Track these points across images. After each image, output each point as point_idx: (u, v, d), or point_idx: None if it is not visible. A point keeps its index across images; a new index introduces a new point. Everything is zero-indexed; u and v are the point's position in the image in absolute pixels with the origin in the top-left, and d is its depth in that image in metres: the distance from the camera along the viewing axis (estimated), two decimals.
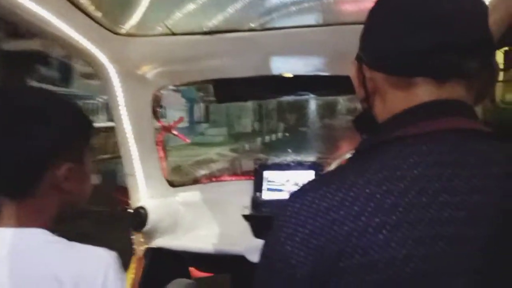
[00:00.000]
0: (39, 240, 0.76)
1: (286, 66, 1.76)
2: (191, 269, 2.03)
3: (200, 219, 2.01)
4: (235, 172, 2.27)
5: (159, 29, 1.44)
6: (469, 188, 0.49)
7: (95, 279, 0.74)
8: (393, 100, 0.58)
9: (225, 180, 2.21)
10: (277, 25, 1.49)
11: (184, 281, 1.74)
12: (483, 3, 0.56)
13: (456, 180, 0.49)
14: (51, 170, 0.78)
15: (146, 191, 1.83)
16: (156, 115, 1.81)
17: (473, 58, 0.53)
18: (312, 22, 1.52)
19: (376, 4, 0.61)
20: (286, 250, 0.51)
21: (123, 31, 1.44)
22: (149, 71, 1.65)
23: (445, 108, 0.55)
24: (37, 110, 0.77)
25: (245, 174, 2.30)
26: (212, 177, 2.20)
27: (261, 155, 2.08)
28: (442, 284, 0.46)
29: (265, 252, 0.56)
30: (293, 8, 1.44)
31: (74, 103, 0.86)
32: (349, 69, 0.66)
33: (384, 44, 0.58)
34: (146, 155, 1.79)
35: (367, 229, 0.47)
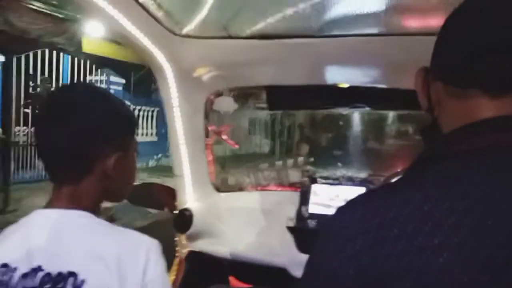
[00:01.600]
0: (85, 221, 0.82)
1: (342, 76, 1.71)
2: (231, 278, 2.01)
3: (244, 226, 1.98)
4: (281, 182, 2.24)
5: (217, 31, 1.45)
6: None
7: (137, 259, 0.78)
8: (453, 113, 0.56)
9: (271, 190, 2.18)
10: (335, 32, 1.45)
11: (222, 287, 1.72)
12: None
13: None
14: (102, 158, 0.84)
15: (192, 193, 1.84)
16: (208, 118, 1.82)
17: None
18: (372, 31, 1.46)
19: (451, 13, 0.58)
20: (333, 267, 0.48)
21: (182, 32, 1.47)
22: (205, 73, 1.67)
23: (509, 124, 0.51)
24: (90, 105, 0.86)
25: (291, 185, 2.25)
26: (258, 186, 2.18)
27: (309, 167, 2.04)
28: None
29: (310, 267, 0.53)
30: (353, 16, 1.40)
31: (117, 97, 0.95)
32: (408, 82, 0.64)
33: (443, 51, 0.56)
34: (196, 157, 1.80)
35: (425, 251, 0.43)
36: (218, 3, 1.32)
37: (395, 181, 0.54)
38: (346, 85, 1.75)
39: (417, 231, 0.44)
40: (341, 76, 1.71)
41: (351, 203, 0.53)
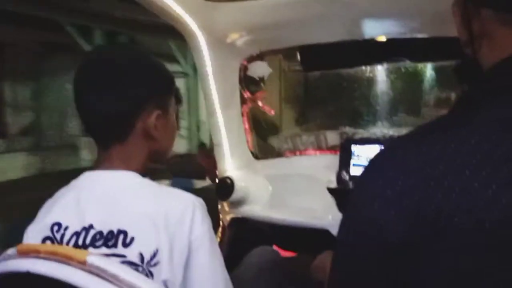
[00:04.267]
0: (131, 181, 0.85)
1: (379, 29, 1.62)
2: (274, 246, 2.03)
3: (284, 192, 1.99)
4: (320, 146, 2.20)
5: None
6: None
7: (184, 216, 0.80)
8: (504, 43, 0.50)
9: (309, 154, 2.15)
10: None
11: (267, 248, 1.75)
12: None
13: None
14: (143, 117, 0.86)
15: (231, 161, 1.85)
16: (242, 85, 1.80)
17: None
18: None
19: None
20: (373, 211, 0.46)
21: None
22: (237, 38, 1.63)
23: None
24: (129, 64, 0.87)
25: (330, 148, 2.21)
26: (296, 151, 2.16)
27: (348, 128, 1.99)
28: None
29: (349, 216, 0.51)
30: None
31: (158, 60, 0.94)
32: (449, 30, 0.59)
33: None
34: (232, 126, 1.79)
35: (472, 184, 0.41)
36: None
37: (438, 119, 0.50)
38: (383, 38, 1.67)
39: (465, 165, 0.42)
40: (377, 29, 1.62)
41: (389, 146, 0.51)
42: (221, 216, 1.94)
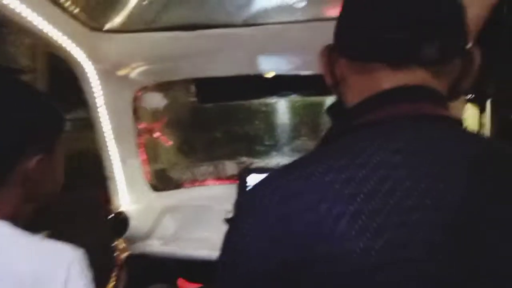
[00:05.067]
0: (2, 232, 0.73)
1: (268, 65, 1.74)
2: (179, 280, 1.97)
3: (184, 224, 1.96)
4: (219, 176, 2.23)
5: (139, 25, 1.40)
6: (434, 175, 0.46)
7: (56, 275, 0.71)
8: (357, 87, 0.57)
9: (209, 184, 2.17)
10: (259, 21, 1.47)
11: (159, 286, 1.70)
12: None
13: (421, 167, 0.47)
14: (23, 160, 0.76)
15: (127, 195, 1.78)
16: (137, 116, 1.76)
17: (430, 43, 0.51)
18: (296, 18, 1.50)
19: None
20: (248, 243, 0.48)
21: (102, 27, 1.40)
22: (130, 69, 1.61)
23: (407, 95, 0.53)
24: (15, 99, 0.77)
25: (229, 178, 2.26)
26: (195, 181, 2.16)
27: (245, 159, 2.05)
28: (403, 273, 0.43)
29: (226, 246, 0.52)
30: (277, 4, 1.43)
31: (43, 93, 0.85)
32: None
33: (346, 29, 0.58)
34: (128, 158, 1.74)
35: (327, 220, 0.44)
36: None
37: (305, 155, 0.54)
38: (272, 74, 1.79)
39: (320, 201, 0.45)
40: (267, 65, 1.74)
41: (264, 179, 0.52)
42: (117, 253, 1.84)
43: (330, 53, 0.61)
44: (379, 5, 0.54)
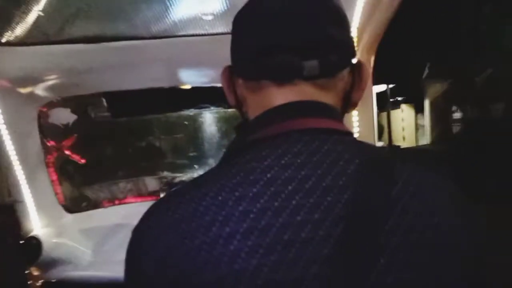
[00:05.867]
0: None
1: (182, 78, 1.76)
2: None
3: (104, 245, 1.88)
4: (140, 193, 2.18)
5: (42, 38, 1.34)
6: (323, 189, 0.47)
7: None
8: (253, 105, 0.58)
9: (129, 202, 2.11)
10: (169, 34, 1.48)
11: None
12: (329, 4, 0.57)
13: (310, 181, 0.47)
14: None
15: (38, 219, 1.67)
16: (44, 133, 1.67)
17: (311, 59, 0.54)
18: (205, 31, 1.53)
19: (238, 12, 0.62)
20: (142, 267, 0.47)
21: (1, 40, 1.32)
22: (31, 84, 1.52)
23: (294, 110, 0.55)
24: None
25: (151, 194, 2.21)
26: (115, 200, 2.09)
27: (167, 173, 2.00)
28: None
29: (125, 270, 0.50)
30: (185, 17, 1.44)
31: None
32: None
33: (235, 50, 0.59)
34: (36, 179, 1.64)
35: (218, 241, 0.43)
36: (46, 8, 1.22)
37: (201, 175, 0.54)
38: (188, 87, 1.81)
39: (212, 222, 0.44)
40: (182, 77, 1.76)
41: (158, 201, 0.51)
42: (30, 282, 1.71)
43: (230, 74, 0.61)
44: (260, 26, 0.56)
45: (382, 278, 0.45)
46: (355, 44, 0.79)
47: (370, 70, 1.47)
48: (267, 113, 0.55)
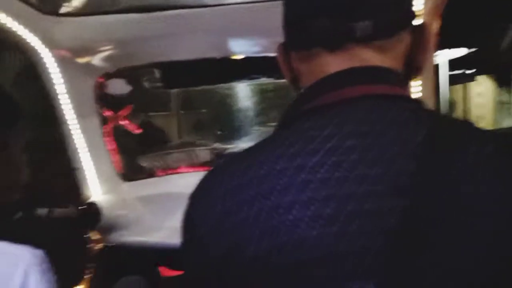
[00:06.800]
0: None
1: (235, 48, 1.72)
2: (160, 268, 1.96)
3: (157, 213, 1.94)
4: (192, 163, 2.22)
5: (97, 8, 1.36)
6: (387, 159, 0.45)
7: (11, 279, 0.66)
8: (307, 76, 0.56)
9: (181, 172, 2.15)
10: (226, 1, 1.44)
11: (131, 278, 1.68)
12: None
13: (373, 150, 0.45)
14: None
15: (97, 186, 1.75)
16: (101, 103, 1.72)
17: (362, 19, 0.50)
18: None
19: None
20: (199, 233, 0.48)
21: (56, 10, 1.35)
22: (90, 54, 1.56)
23: (355, 76, 0.52)
24: None
25: (203, 165, 2.24)
26: (168, 169, 2.14)
27: (218, 145, 2.02)
28: (356, 262, 0.42)
29: (181, 236, 0.52)
30: None
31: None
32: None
33: (285, 21, 0.57)
34: (94, 147, 1.70)
35: (277, 209, 0.43)
36: None
37: (254, 145, 0.53)
38: (240, 57, 1.77)
39: (270, 191, 0.44)
40: (234, 47, 1.72)
41: (214, 169, 0.52)
42: (91, 245, 1.81)
43: (285, 49, 0.60)
44: None
45: (444, 255, 0.42)
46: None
47: (435, 32, 1.34)
48: (322, 81, 0.53)
